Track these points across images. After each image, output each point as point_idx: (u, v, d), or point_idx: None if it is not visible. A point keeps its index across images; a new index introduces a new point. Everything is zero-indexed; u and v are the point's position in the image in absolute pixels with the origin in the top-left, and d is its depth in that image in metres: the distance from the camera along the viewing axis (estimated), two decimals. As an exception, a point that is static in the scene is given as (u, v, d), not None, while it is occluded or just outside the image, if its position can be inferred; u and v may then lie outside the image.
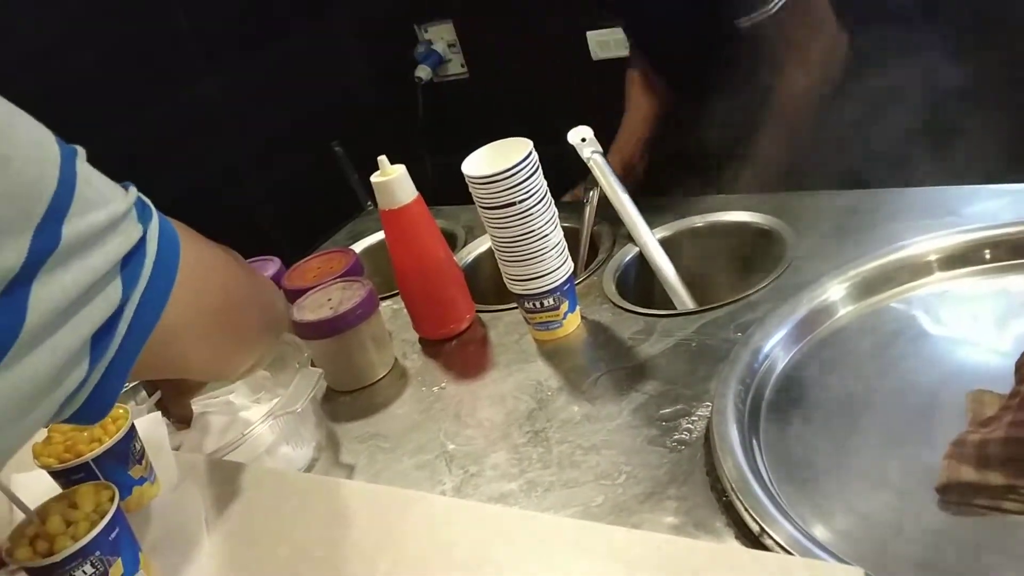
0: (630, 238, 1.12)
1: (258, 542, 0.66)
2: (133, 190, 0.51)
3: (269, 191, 1.67)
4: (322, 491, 0.68)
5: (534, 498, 0.79)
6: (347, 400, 1.02)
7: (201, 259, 0.56)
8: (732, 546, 0.63)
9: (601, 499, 0.76)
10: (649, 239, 1.10)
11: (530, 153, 0.91)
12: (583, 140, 1.14)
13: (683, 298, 1.07)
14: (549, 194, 0.95)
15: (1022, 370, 0.72)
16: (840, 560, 0.61)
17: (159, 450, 0.79)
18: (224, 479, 0.74)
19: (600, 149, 1.13)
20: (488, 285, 1.20)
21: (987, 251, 0.86)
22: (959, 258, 0.87)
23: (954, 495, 0.65)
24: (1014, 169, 1.05)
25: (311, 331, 0.99)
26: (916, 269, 0.88)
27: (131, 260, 0.48)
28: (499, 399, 0.94)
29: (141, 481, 0.75)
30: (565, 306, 0.99)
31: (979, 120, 1.30)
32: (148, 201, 0.53)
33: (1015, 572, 0.59)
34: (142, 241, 0.50)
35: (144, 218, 0.51)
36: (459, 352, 1.04)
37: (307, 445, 0.92)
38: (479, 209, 0.95)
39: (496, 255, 0.98)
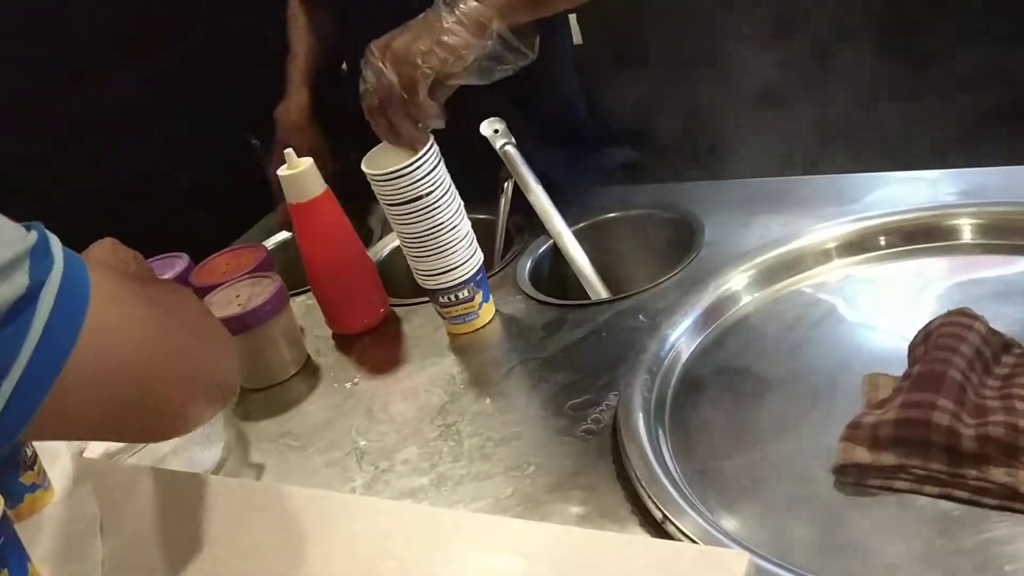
0: (544, 229, 1.12)
1: (155, 546, 0.64)
2: (34, 234, 0.44)
3: (187, 186, 1.63)
4: (223, 492, 0.67)
5: (444, 492, 0.78)
6: (258, 398, 1.00)
7: (114, 317, 0.47)
8: (626, 535, 0.64)
9: (510, 491, 0.76)
10: (563, 229, 1.10)
11: (432, 144, 0.91)
12: (496, 131, 1.13)
13: (597, 288, 1.07)
14: (453, 184, 0.94)
15: (913, 353, 0.74)
16: (740, 545, 0.62)
17: (55, 456, 0.77)
18: (123, 484, 0.72)
19: (513, 140, 1.13)
20: (403, 278, 1.18)
21: (882, 238, 0.88)
22: (856, 245, 0.89)
23: (849, 476, 0.67)
24: (915, 157, 1.09)
25: (219, 329, 0.96)
26: (816, 256, 0.90)
27: (14, 319, 0.41)
28: (412, 393, 0.93)
29: (33, 488, 0.72)
30: (479, 296, 0.99)
31: (882, 110, 1.34)
32: (56, 246, 0.45)
33: (905, 547, 0.61)
34: (33, 297, 0.42)
35: (40, 268, 0.43)
36: (373, 347, 1.03)
37: (215, 446, 0.91)
38: (384, 207, 0.93)
39: (405, 252, 0.97)
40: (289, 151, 0.97)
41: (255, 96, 1.41)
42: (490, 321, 1.00)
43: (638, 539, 0.57)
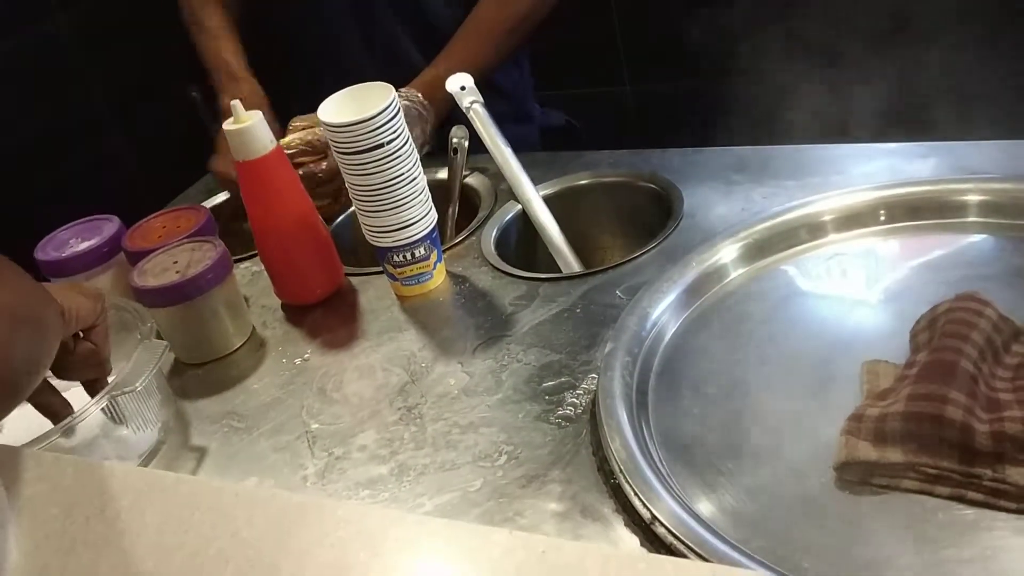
0: (511, 195, 1.05)
1: (78, 552, 0.56)
2: None
3: (119, 140, 1.52)
4: (155, 489, 0.59)
5: (406, 483, 0.71)
6: (198, 374, 0.91)
7: None
8: (625, 548, 0.58)
9: (480, 483, 0.70)
10: (533, 196, 1.03)
11: (394, 97, 0.85)
12: (462, 88, 1.06)
13: (569, 260, 1.01)
14: (411, 137, 0.88)
15: (917, 338, 0.69)
16: (735, 547, 0.57)
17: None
18: (43, 476, 0.63)
19: (480, 99, 1.05)
20: (360, 245, 1.11)
21: (882, 212, 0.83)
22: (854, 219, 0.83)
23: (852, 474, 0.62)
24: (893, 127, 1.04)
25: (155, 298, 0.88)
26: (811, 230, 0.83)
27: None
28: (368, 371, 0.85)
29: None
30: (435, 255, 0.93)
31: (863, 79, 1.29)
32: None
33: (914, 553, 0.56)
34: None
35: None
36: (325, 319, 0.95)
37: (151, 427, 0.82)
38: (338, 157, 0.87)
39: (358, 208, 0.91)
40: (236, 103, 0.88)
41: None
42: (442, 284, 0.95)
43: (640, 557, 0.51)
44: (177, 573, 0.53)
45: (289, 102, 1.16)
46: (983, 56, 1.28)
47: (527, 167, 1.04)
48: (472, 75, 1.08)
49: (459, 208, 1.11)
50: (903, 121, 1.11)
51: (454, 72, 1.07)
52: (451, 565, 0.48)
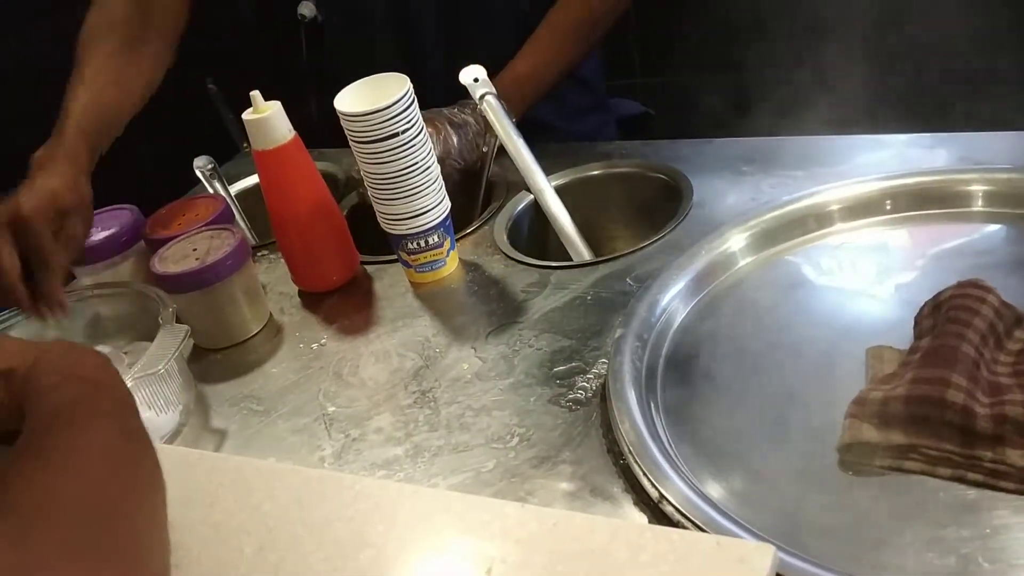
0: (524, 185, 1.06)
1: (106, 525, 0.58)
2: None
3: (141, 132, 1.54)
4: (180, 465, 0.61)
5: (421, 464, 0.73)
6: (217, 359, 0.93)
7: None
8: (634, 522, 0.59)
9: (492, 464, 0.71)
10: (545, 186, 1.04)
11: (409, 88, 0.87)
12: (476, 80, 1.07)
13: (580, 249, 1.02)
14: (426, 128, 0.91)
15: (921, 325, 0.70)
16: (741, 525, 0.58)
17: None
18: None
19: (494, 90, 1.07)
20: (375, 234, 1.13)
21: (888, 202, 0.84)
22: (861, 208, 0.85)
23: (856, 455, 0.63)
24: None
25: (175, 284, 0.90)
26: (818, 219, 0.85)
27: None
28: (384, 356, 0.87)
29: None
30: (448, 243, 0.95)
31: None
32: None
33: (915, 532, 0.58)
34: None
35: None
36: (341, 306, 0.97)
37: (172, 409, 0.84)
38: (354, 146, 0.89)
39: (373, 197, 0.93)
40: (255, 94, 0.90)
41: (214, 35, 1.33)
42: (456, 271, 0.97)
43: (647, 527, 0.53)
44: (202, 544, 0.55)
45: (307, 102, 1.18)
46: (989, 48, 1.29)
47: (539, 158, 1.05)
48: (555, 73, 1.10)
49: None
50: (910, 112, 1.12)
51: (537, 69, 1.08)
52: (465, 537, 0.50)
